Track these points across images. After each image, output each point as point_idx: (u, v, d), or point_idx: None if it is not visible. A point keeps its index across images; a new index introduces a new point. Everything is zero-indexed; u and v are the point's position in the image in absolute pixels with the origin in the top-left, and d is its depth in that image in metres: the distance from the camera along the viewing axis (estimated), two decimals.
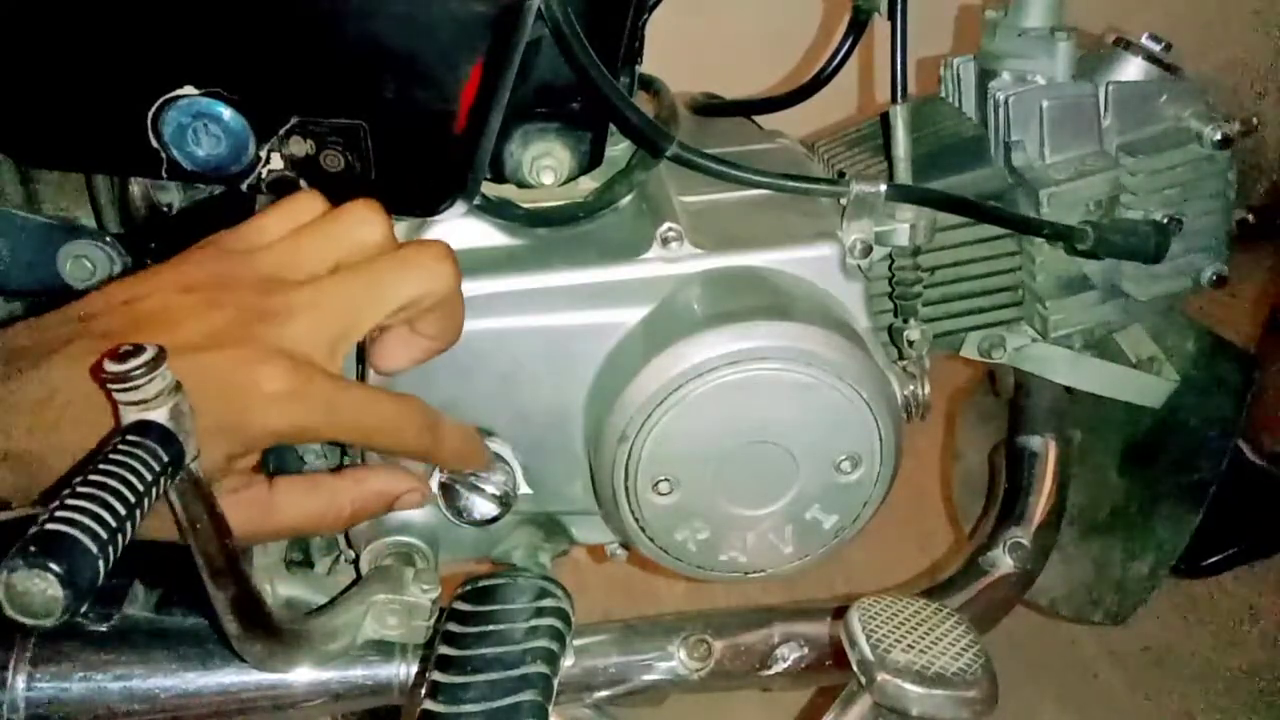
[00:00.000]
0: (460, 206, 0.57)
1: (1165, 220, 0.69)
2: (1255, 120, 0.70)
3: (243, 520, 0.48)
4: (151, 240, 0.64)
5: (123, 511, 0.35)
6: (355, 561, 0.62)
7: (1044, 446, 0.80)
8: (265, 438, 0.46)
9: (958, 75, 0.75)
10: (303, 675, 0.59)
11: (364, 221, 0.50)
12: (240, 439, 0.46)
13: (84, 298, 0.47)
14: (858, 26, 0.73)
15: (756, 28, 1.42)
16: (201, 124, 0.53)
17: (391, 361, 0.52)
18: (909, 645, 0.48)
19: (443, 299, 0.50)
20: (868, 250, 0.60)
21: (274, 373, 0.45)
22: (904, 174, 0.64)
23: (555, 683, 0.55)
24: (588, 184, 0.63)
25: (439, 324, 0.51)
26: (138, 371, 0.37)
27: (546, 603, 0.59)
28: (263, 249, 0.49)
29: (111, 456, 0.36)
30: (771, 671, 0.66)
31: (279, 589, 0.62)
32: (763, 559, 0.61)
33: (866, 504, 0.60)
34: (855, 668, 0.48)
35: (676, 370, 0.55)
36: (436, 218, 0.58)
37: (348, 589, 0.59)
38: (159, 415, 0.38)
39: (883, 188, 0.60)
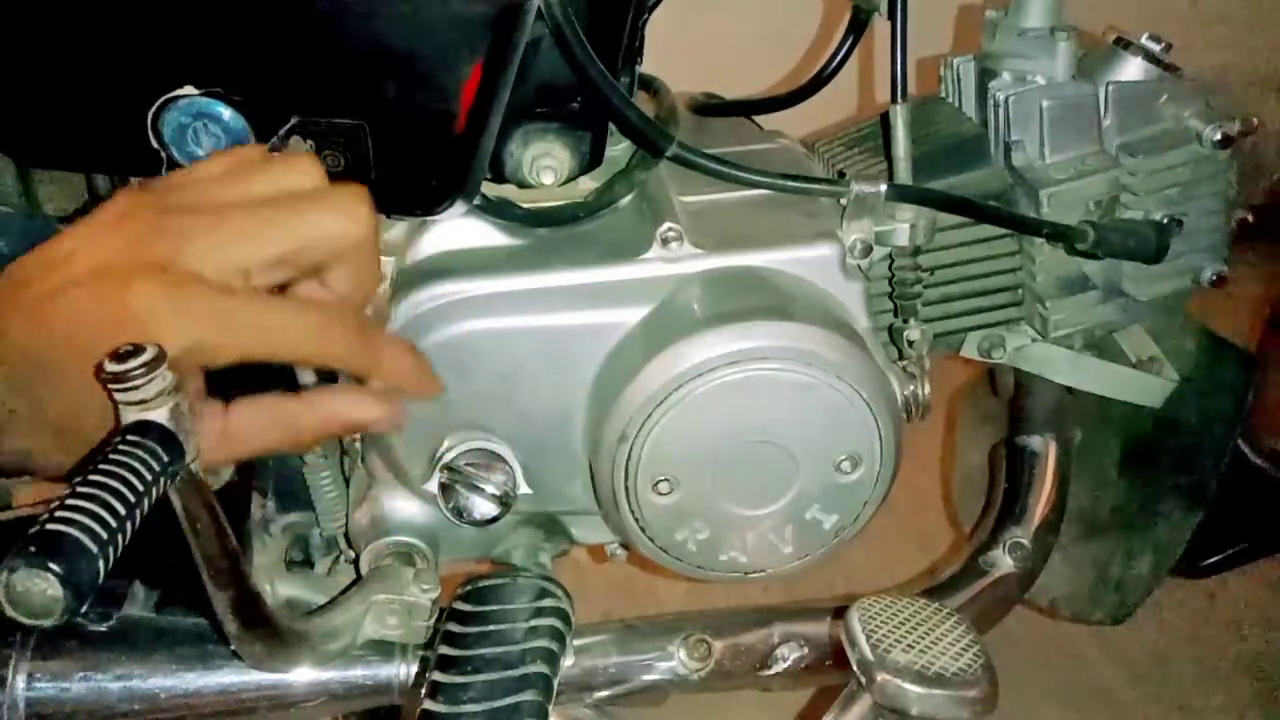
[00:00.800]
0: (460, 206, 0.57)
1: (1165, 220, 0.69)
2: (1255, 120, 0.70)
3: (204, 449, 0.47)
4: None
5: (122, 511, 0.35)
6: (355, 561, 0.62)
7: (1044, 446, 0.80)
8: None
9: (958, 75, 0.75)
10: (303, 675, 0.59)
11: (296, 169, 0.49)
12: None
13: (20, 259, 0.47)
14: (858, 26, 0.73)
15: (756, 28, 1.42)
16: (201, 124, 0.53)
17: None
18: (909, 645, 0.48)
19: (355, 244, 0.48)
20: (868, 250, 0.60)
21: (141, 289, 0.43)
22: (904, 174, 0.64)
23: (555, 683, 0.55)
24: (588, 184, 0.63)
25: (349, 277, 0.49)
26: (137, 371, 0.38)
27: (546, 603, 0.59)
28: (188, 183, 0.49)
29: (111, 456, 0.36)
30: (771, 671, 0.66)
31: (279, 589, 0.62)
32: (763, 559, 0.61)
33: (866, 504, 0.60)
34: (855, 668, 0.48)
35: (676, 370, 0.55)
36: (436, 217, 0.58)
37: (348, 589, 0.59)
38: (159, 415, 0.38)
39: (883, 188, 0.60)
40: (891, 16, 0.64)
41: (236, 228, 0.46)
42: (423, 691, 0.54)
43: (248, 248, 0.46)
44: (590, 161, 0.60)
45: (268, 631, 0.50)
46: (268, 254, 0.47)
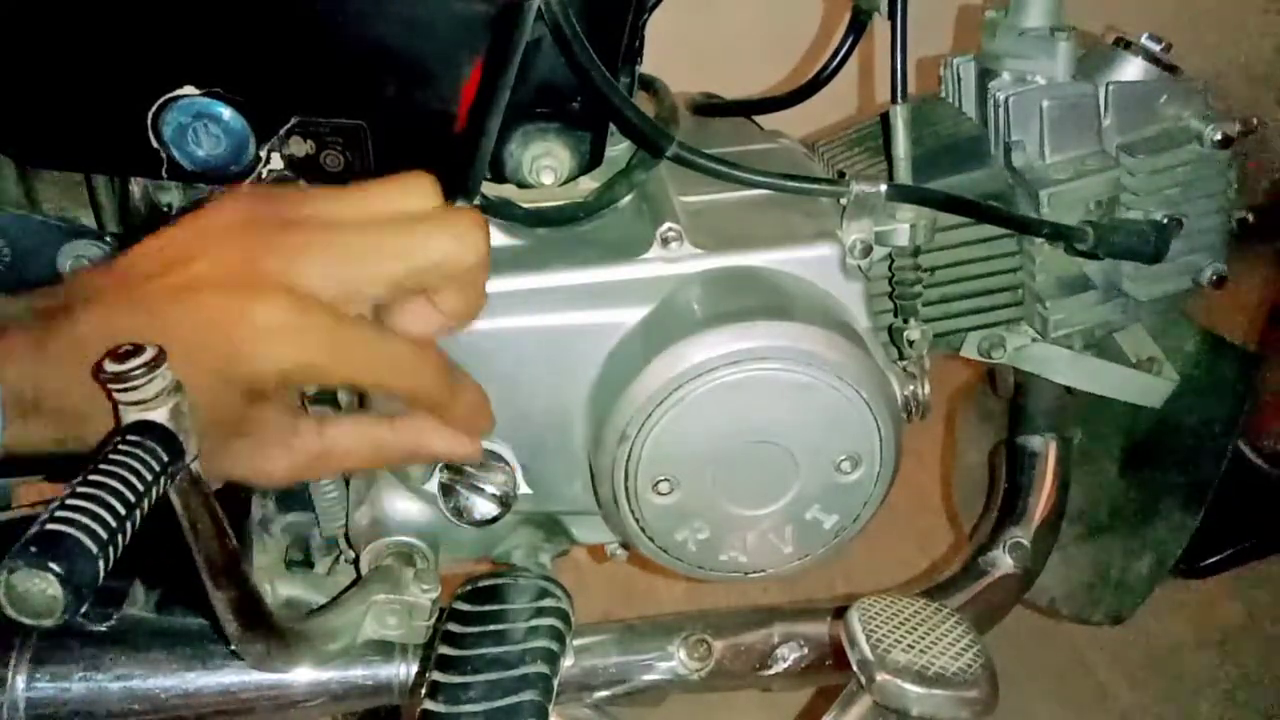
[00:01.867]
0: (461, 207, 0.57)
1: (1165, 220, 0.69)
2: (1255, 120, 0.70)
3: (300, 465, 0.49)
4: None
5: (123, 511, 0.35)
6: (355, 561, 0.62)
7: (1044, 446, 0.80)
8: (271, 376, 0.45)
9: (958, 75, 0.75)
10: (303, 675, 0.59)
11: (413, 189, 0.49)
12: (246, 377, 0.45)
13: (131, 249, 0.47)
14: (858, 26, 0.73)
15: (756, 28, 1.42)
16: (202, 124, 0.54)
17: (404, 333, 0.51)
18: (909, 645, 0.48)
19: (469, 269, 0.49)
20: (868, 250, 0.60)
21: (268, 306, 0.44)
22: (904, 174, 0.64)
23: (555, 683, 0.55)
24: (588, 184, 0.63)
25: (458, 299, 0.50)
26: (137, 371, 0.38)
27: (546, 603, 0.59)
28: (307, 199, 0.49)
29: (111, 456, 0.36)
30: (771, 671, 0.66)
31: (279, 589, 0.62)
32: (763, 559, 0.61)
33: (866, 504, 0.60)
34: (855, 668, 0.48)
35: (677, 370, 0.55)
36: None
37: (348, 589, 0.59)
38: (159, 415, 0.38)
39: (883, 188, 0.60)
40: (891, 16, 0.64)
41: (352, 249, 0.47)
42: (423, 691, 0.54)
43: (362, 270, 0.47)
44: (590, 161, 0.60)
45: (268, 631, 0.50)
46: (381, 277, 0.47)
